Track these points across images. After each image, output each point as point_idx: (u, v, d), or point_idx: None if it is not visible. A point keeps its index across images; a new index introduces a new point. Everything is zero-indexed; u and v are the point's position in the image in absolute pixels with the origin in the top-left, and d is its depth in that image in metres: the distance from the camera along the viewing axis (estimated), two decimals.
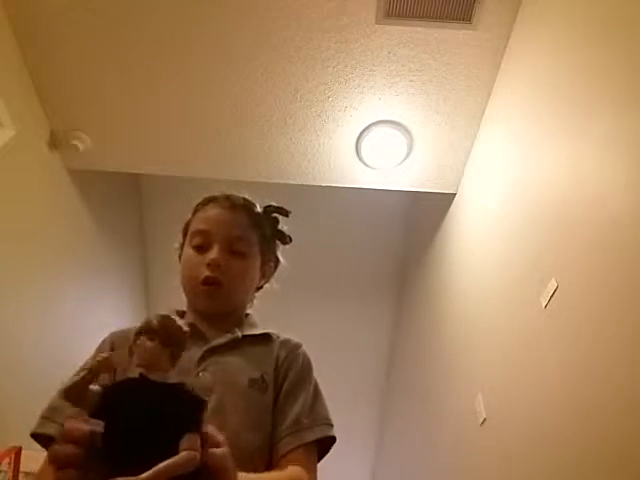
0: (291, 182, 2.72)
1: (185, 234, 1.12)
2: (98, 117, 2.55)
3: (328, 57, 2.33)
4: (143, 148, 2.69)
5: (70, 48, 2.32)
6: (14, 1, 2.19)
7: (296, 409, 0.94)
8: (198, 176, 2.88)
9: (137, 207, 3.75)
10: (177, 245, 1.13)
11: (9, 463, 1.94)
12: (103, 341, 0.99)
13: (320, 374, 1.05)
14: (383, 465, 4.35)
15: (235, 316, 1.08)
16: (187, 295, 1.07)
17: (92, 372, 0.62)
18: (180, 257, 1.11)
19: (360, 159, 2.65)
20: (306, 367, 1.02)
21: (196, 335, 0.98)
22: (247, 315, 1.11)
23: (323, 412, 0.97)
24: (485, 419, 2.05)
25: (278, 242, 1.17)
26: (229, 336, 1.00)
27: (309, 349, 1.08)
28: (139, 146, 2.67)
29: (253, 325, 1.08)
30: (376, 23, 2.22)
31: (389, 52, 2.30)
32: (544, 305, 1.66)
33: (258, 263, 1.10)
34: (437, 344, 2.90)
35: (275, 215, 1.16)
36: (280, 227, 1.17)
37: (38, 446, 0.87)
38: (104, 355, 0.64)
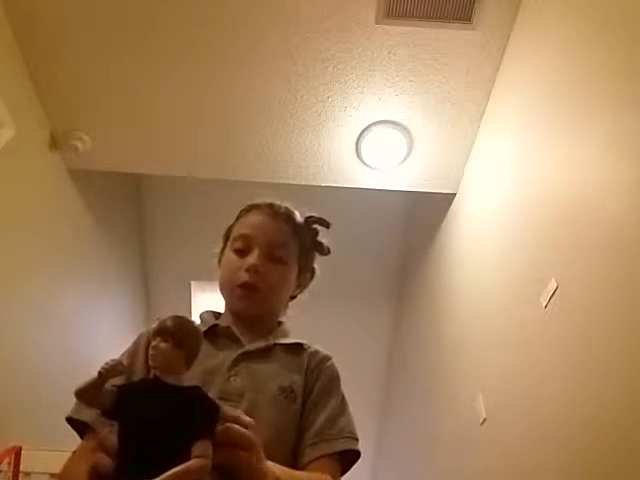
0: (291, 182, 2.72)
1: (226, 239, 1.14)
2: (98, 117, 2.54)
3: (328, 57, 2.33)
4: (143, 148, 2.68)
5: (70, 48, 2.32)
6: (14, 1, 2.19)
7: (321, 419, 0.94)
8: (198, 176, 2.88)
9: (137, 206, 3.75)
10: (217, 250, 1.16)
11: (9, 463, 1.93)
12: (141, 334, 0.99)
13: None
14: (383, 465, 4.35)
15: (269, 322, 1.09)
16: (224, 297, 1.09)
17: (102, 376, 0.62)
18: (219, 262, 1.13)
19: (360, 159, 2.65)
20: (334, 379, 1.03)
21: (231, 338, 1.00)
22: (280, 323, 1.12)
23: (348, 425, 0.97)
24: (485, 419, 2.05)
25: (316, 253, 1.18)
26: (263, 343, 1.01)
27: None
28: (139, 146, 2.67)
29: (286, 334, 1.09)
30: (376, 23, 2.21)
31: (389, 52, 2.30)
32: (544, 305, 1.66)
33: (295, 272, 1.11)
34: (437, 344, 2.90)
35: (315, 226, 1.17)
36: (319, 238, 1.17)
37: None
38: (113, 361, 0.64)
